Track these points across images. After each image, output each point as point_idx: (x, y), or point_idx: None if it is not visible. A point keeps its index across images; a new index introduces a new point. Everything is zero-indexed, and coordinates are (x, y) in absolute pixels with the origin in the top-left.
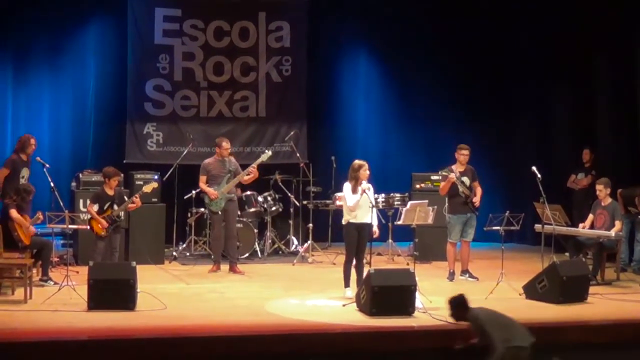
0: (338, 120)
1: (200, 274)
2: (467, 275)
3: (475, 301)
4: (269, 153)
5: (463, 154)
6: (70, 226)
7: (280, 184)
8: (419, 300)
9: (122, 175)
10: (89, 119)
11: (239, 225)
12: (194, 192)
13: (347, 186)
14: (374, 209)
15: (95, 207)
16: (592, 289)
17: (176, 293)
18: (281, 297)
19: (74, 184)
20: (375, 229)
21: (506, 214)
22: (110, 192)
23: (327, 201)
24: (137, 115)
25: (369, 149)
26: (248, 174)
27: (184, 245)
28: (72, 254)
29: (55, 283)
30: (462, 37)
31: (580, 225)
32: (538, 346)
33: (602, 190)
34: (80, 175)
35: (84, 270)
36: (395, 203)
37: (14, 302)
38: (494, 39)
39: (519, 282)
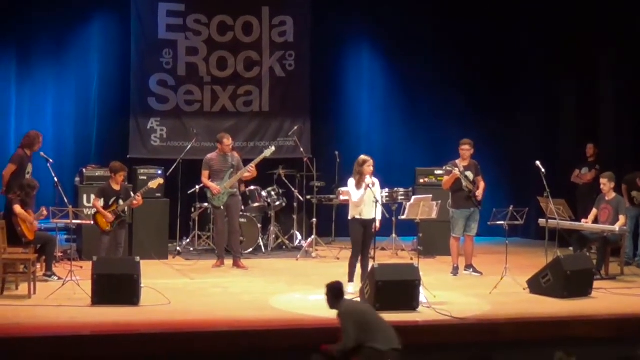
0: (342, 115)
1: (204, 269)
2: (471, 270)
3: (479, 295)
4: (272, 149)
5: (464, 149)
6: (74, 221)
7: (284, 178)
8: (423, 295)
9: (127, 170)
10: (92, 114)
11: (242, 220)
12: (197, 187)
13: (351, 181)
14: (378, 205)
15: (101, 202)
16: (596, 284)
17: (180, 288)
18: (285, 292)
19: (77, 179)
20: (377, 223)
21: (510, 208)
22: (117, 187)
23: (331, 196)
24: (140, 110)
25: (373, 144)
26: (248, 172)
27: (188, 240)
28: (76, 249)
29: (59, 278)
30: (466, 32)
31: (583, 220)
32: (542, 340)
33: (606, 185)
34: (84, 171)
35: (87, 266)
36: (399, 198)
37: (18, 297)
38: (499, 34)
39: (523, 277)
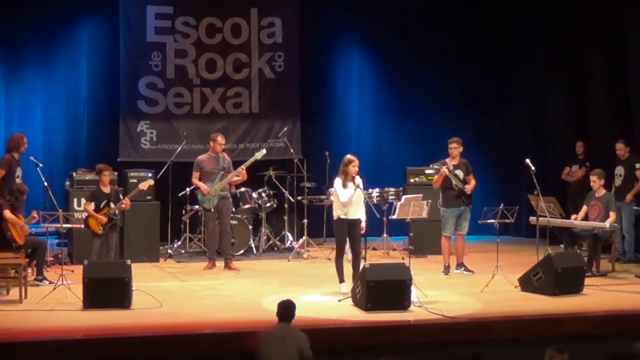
0: (332, 115)
1: (196, 271)
2: (463, 268)
3: (471, 294)
4: (262, 151)
5: (453, 147)
6: (64, 225)
7: (274, 180)
8: (415, 295)
9: (112, 170)
10: (82, 117)
11: (233, 222)
12: (188, 189)
13: (337, 181)
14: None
15: (92, 206)
16: (587, 281)
17: (171, 291)
18: (277, 293)
19: (67, 183)
20: (363, 224)
21: (500, 206)
22: (107, 190)
23: (322, 197)
24: (130, 113)
25: (363, 144)
26: (237, 175)
27: (179, 243)
28: (67, 253)
29: (50, 282)
30: (456, 30)
31: (573, 216)
32: (534, 338)
33: (595, 182)
34: (74, 174)
35: (78, 269)
36: (390, 197)
37: (9, 302)
38: (488, 32)
39: (514, 275)
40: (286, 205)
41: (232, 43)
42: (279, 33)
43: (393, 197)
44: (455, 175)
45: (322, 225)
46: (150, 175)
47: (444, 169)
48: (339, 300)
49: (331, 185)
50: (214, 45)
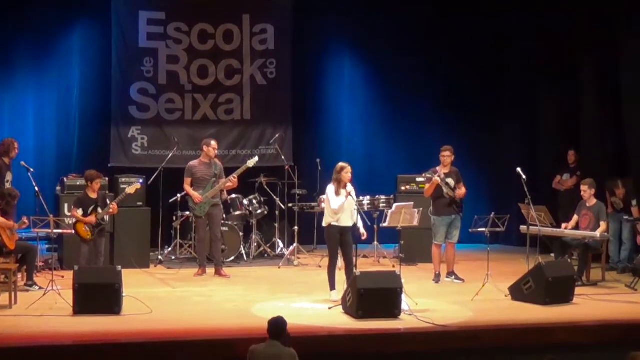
0: (323, 122)
1: (186, 277)
2: (453, 277)
3: (461, 302)
4: (255, 159)
5: (445, 155)
6: (55, 231)
7: (265, 186)
8: (405, 303)
9: (104, 177)
10: (73, 122)
11: (224, 228)
12: (179, 195)
13: (330, 188)
14: (356, 211)
15: (80, 212)
16: (577, 290)
17: (162, 297)
18: (267, 300)
19: (58, 188)
20: (362, 230)
21: (491, 215)
22: (94, 196)
23: (313, 204)
24: (121, 119)
25: (355, 151)
26: (229, 182)
27: (170, 249)
28: (57, 259)
29: (40, 288)
30: (448, 38)
31: (563, 225)
32: (524, 347)
33: (586, 191)
34: (65, 180)
35: (69, 275)
36: (381, 205)
37: None
38: (480, 41)
39: (505, 284)
40: (277, 212)
41: (224, 49)
42: (271, 40)
43: (384, 204)
44: (447, 184)
45: (312, 233)
46: (141, 181)
47: (436, 178)
48: (330, 308)
49: (322, 193)
50: (206, 51)
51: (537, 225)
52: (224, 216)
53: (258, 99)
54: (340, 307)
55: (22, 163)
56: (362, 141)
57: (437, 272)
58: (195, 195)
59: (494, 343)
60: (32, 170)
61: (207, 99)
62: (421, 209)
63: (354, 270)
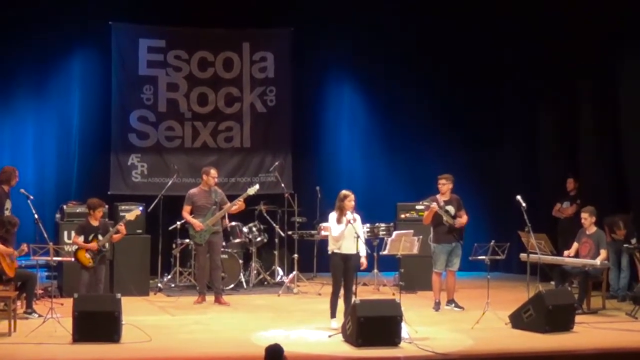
0: (323, 149)
1: (186, 305)
2: (453, 304)
3: (461, 330)
4: (256, 187)
5: (441, 184)
6: (54, 258)
7: (265, 214)
8: (405, 331)
9: (106, 206)
10: (73, 149)
11: (224, 256)
12: (178, 223)
13: (332, 216)
14: (360, 240)
15: (81, 239)
16: (578, 318)
17: (161, 325)
18: (267, 328)
19: (58, 215)
20: (363, 260)
21: (491, 243)
22: (95, 223)
23: (312, 231)
24: (121, 146)
25: (354, 179)
26: (235, 206)
27: (169, 277)
28: (57, 286)
29: (40, 315)
30: (447, 66)
31: (565, 252)
32: None
33: (587, 219)
34: (65, 207)
35: (68, 303)
36: (381, 233)
37: None
38: (479, 68)
39: (505, 312)
40: (277, 240)
41: (224, 77)
42: (271, 68)
43: (384, 232)
44: (447, 211)
45: (312, 260)
46: (141, 208)
47: (434, 205)
48: (330, 336)
49: (322, 220)
50: (206, 79)
51: (537, 253)
52: (224, 243)
53: (258, 126)
54: (340, 335)
55: (22, 190)
56: (361, 168)
57: (437, 300)
58: (196, 222)
59: None
60: (31, 197)
61: (206, 126)
62: (421, 236)
63: (354, 298)
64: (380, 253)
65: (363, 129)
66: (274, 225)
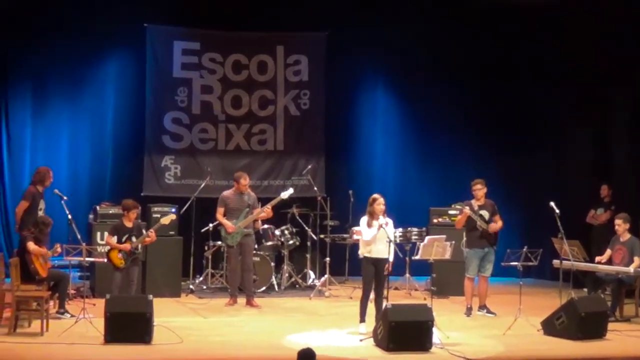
0: (356, 153)
1: (217, 307)
2: (485, 310)
3: (493, 336)
4: (290, 191)
5: (476, 189)
6: (87, 259)
7: (297, 217)
8: (437, 336)
9: (140, 207)
10: (107, 151)
11: (256, 258)
12: (211, 225)
13: (363, 220)
14: (392, 245)
15: (114, 239)
16: (610, 326)
17: (192, 326)
18: (298, 331)
19: (91, 216)
20: (387, 264)
21: (524, 249)
22: (129, 225)
23: (345, 235)
24: (155, 148)
25: (387, 183)
26: (264, 213)
27: (201, 279)
28: (89, 287)
29: (72, 316)
30: (481, 73)
31: (597, 258)
32: None
33: (620, 225)
34: (98, 208)
35: (100, 303)
36: (413, 237)
37: (31, 334)
38: (513, 74)
39: (537, 318)
40: (309, 243)
41: (258, 80)
42: (305, 71)
43: (416, 237)
44: (480, 216)
45: (344, 264)
46: (174, 210)
47: (467, 209)
48: (361, 340)
49: (354, 224)
50: (240, 81)
51: (570, 260)
52: (256, 246)
53: (291, 129)
54: (372, 339)
55: (56, 191)
56: (394, 172)
57: (469, 306)
58: (229, 224)
59: None
60: (65, 198)
61: (240, 129)
62: (453, 242)
63: (386, 303)
64: (413, 258)
65: (396, 134)
66: (306, 228)
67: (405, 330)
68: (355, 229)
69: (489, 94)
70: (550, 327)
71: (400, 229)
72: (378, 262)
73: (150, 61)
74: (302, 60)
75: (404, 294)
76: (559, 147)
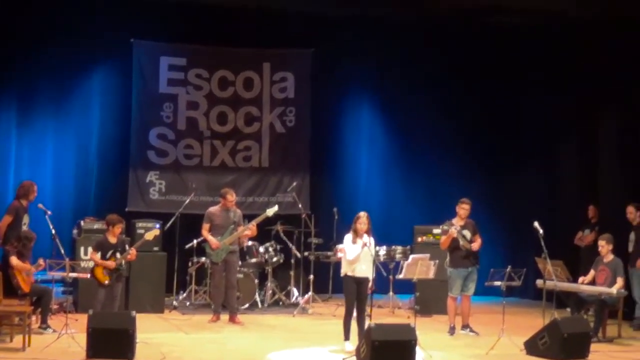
0: (341, 171)
1: (200, 323)
2: (468, 329)
3: (476, 356)
4: (275, 208)
5: (464, 208)
6: (70, 274)
7: (281, 234)
8: (420, 355)
9: (124, 222)
10: (91, 166)
11: (239, 275)
12: (195, 241)
13: (347, 237)
14: (372, 263)
15: (98, 255)
16: (593, 346)
17: (175, 343)
18: (281, 348)
19: (75, 231)
20: (371, 284)
21: (508, 269)
22: (113, 240)
23: (329, 253)
24: (140, 164)
25: (371, 201)
26: (248, 230)
27: (184, 295)
28: (72, 302)
29: (55, 331)
30: (468, 91)
31: (580, 278)
32: None
33: (604, 246)
34: (82, 223)
35: (83, 319)
36: (397, 256)
37: (13, 349)
38: (501, 95)
39: (520, 338)
40: (292, 261)
41: (244, 97)
42: (291, 88)
43: (400, 255)
44: (463, 236)
45: (328, 281)
46: (158, 226)
47: (452, 230)
48: (344, 359)
49: (338, 242)
50: (226, 98)
51: (553, 280)
52: (240, 263)
53: (276, 146)
54: (354, 358)
55: (40, 205)
56: (379, 190)
57: (452, 325)
58: (213, 241)
59: None
60: (49, 212)
61: (225, 145)
62: (437, 261)
63: (369, 322)
64: (396, 277)
65: (382, 152)
66: (291, 245)
67: (388, 350)
68: (340, 246)
69: (476, 111)
70: (533, 347)
71: (385, 247)
72: (360, 281)
73: (137, 76)
74: (289, 78)
75: (387, 312)
76: (546, 167)
